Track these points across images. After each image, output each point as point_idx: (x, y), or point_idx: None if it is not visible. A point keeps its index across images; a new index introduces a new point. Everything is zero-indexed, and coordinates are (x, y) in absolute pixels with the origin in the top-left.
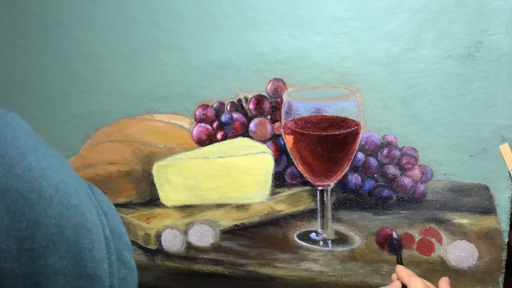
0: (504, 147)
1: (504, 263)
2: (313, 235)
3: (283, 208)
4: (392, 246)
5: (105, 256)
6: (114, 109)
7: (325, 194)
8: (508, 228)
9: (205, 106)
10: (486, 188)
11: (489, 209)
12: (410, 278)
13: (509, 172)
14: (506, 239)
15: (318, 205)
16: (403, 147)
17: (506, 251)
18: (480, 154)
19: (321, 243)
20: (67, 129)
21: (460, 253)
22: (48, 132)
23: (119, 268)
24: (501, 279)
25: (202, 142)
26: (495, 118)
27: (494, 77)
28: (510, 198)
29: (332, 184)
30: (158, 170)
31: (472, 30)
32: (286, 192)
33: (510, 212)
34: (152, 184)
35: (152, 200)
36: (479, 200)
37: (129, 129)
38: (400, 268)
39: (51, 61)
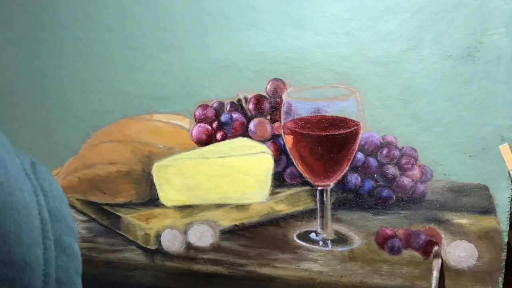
0: (503, 147)
1: (503, 263)
2: (312, 235)
3: (283, 208)
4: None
5: (38, 241)
6: (114, 109)
7: (324, 194)
8: (508, 228)
9: (204, 106)
10: (486, 188)
11: (488, 209)
12: None
13: (508, 172)
14: (506, 239)
15: (318, 205)
16: (402, 147)
17: (505, 251)
18: (479, 154)
19: (321, 243)
20: (67, 129)
21: (460, 253)
22: (48, 132)
23: (58, 255)
24: (500, 279)
25: (202, 142)
26: (494, 118)
27: (494, 77)
28: (510, 198)
29: (331, 184)
30: (158, 170)
31: (472, 30)
32: (286, 192)
33: (509, 212)
34: (152, 184)
35: (152, 200)
36: (479, 200)
37: (129, 129)
38: None
39: (51, 61)
